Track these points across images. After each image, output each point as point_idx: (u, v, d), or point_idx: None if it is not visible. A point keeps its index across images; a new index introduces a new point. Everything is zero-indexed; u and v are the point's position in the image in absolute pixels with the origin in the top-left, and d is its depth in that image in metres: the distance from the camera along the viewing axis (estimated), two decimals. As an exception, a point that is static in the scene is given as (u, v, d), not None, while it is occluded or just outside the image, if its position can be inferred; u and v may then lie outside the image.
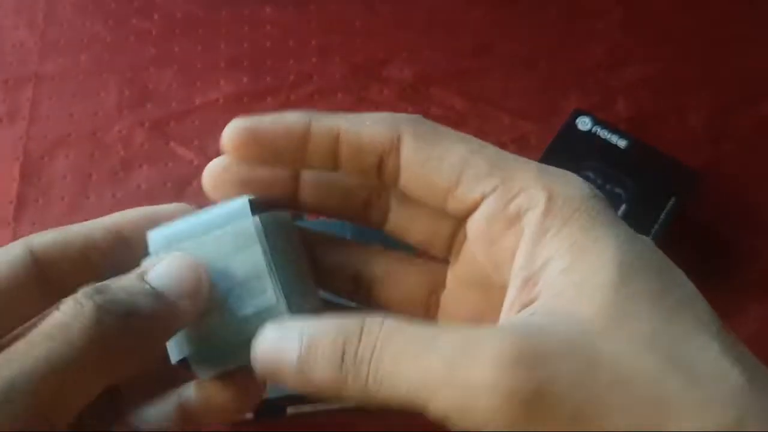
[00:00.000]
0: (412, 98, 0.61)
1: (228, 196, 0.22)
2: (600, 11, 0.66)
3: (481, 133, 0.61)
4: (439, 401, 0.18)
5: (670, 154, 0.54)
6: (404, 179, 0.22)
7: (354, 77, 0.62)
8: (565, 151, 0.53)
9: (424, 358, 0.18)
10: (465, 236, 0.23)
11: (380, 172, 0.22)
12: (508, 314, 0.20)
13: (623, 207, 0.51)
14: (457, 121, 0.59)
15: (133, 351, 0.20)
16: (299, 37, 0.64)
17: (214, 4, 0.65)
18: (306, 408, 0.45)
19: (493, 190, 0.20)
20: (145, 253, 0.22)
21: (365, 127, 0.21)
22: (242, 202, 0.22)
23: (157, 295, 0.20)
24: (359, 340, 0.18)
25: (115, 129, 0.59)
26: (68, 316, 0.19)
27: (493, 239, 0.21)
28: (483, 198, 0.21)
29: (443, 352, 0.18)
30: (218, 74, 0.62)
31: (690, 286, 0.19)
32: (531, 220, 0.20)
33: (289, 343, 0.19)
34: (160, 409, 0.23)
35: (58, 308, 0.19)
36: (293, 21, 0.65)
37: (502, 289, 0.21)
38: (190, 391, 0.23)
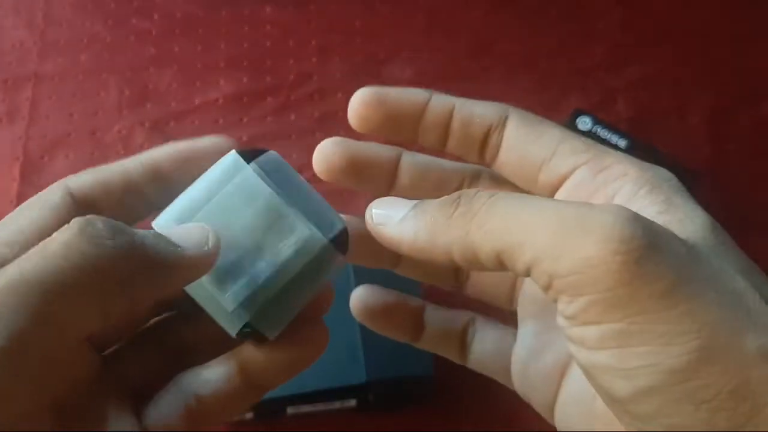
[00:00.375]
0: (412, 98, 0.61)
1: (338, 181, 0.24)
2: (600, 11, 0.66)
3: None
4: (544, 236, 0.17)
5: (670, 154, 0.54)
6: (503, 153, 0.23)
7: (354, 77, 0.62)
8: (565, 151, 0.53)
9: (539, 206, 0.18)
10: None
11: (483, 147, 0.23)
12: None
13: (623, 207, 0.51)
14: (457, 121, 0.59)
15: (132, 281, 0.19)
16: (299, 37, 0.64)
17: (214, 4, 0.65)
18: (306, 408, 0.45)
19: (586, 162, 0.22)
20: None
21: (478, 105, 0.24)
22: (233, 158, 0.22)
23: (160, 235, 0.20)
24: (474, 194, 0.19)
25: (115, 129, 0.59)
26: (68, 234, 0.18)
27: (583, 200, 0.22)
28: (575, 169, 0.22)
29: (559, 204, 0.18)
30: (218, 74, 0.62)
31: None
32: (621, 185, 0.21)
33: (399, 206, 0.21)
34: (214, 372, 0.22)
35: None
36: (293, 21, 0.65)
37: None
38: (251, 354, 0.22)
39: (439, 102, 0.24)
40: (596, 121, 0.54)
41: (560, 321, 0.18)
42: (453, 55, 0.63)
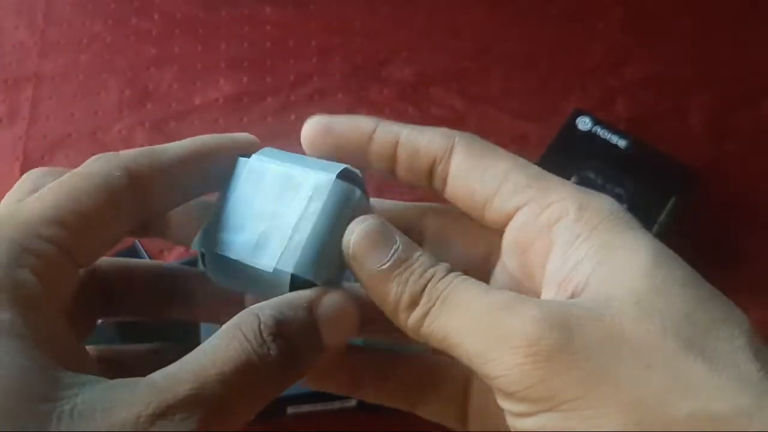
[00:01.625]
0: (412, 98, 0.61)
1: (321, 154, 0.24)
2: (600, 11, 0.66)
3: (481, 133, 0.62)
4: (471, 345, 0.19)
5: (671, 154, 0.54)
6: (450, 186, 0.23)
7: (354, 77, 0.62)
8: (565, 151, 0.53)
9: (473, 311, 0.19)
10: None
11: (431, 177, 0.23)
12: None
13: (624, 207, 0.51)
14: (457, 121, 0.60)
15: (162, 189, 0.21)
16: (299, 37, 0.64)
17: (214, 4, 0.65)
18: (306, 407, 0.45)
19: (528, 202, 0.22)
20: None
21: (423, 135, 0.23)
22: (238, 161, 0.23)
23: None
24: (445, 273, 0.20)
25: (116, 129, 0.59)
26: (87, 163, 0.20)
27: (526, 248, 0.22)
28: (517, 209, 0.22)
29: (490, 306, 0.19)
30: (218, 74, 0.62)
31: (712, 287, 0.20)
32: (562, 228, 0.21)
33: (384, 249, 0.21)
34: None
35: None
36: (293, 21, 0.65)
37: (535, 296, 0.22)
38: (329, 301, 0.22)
39: (384, 132, 0.24)
40: (596, 121, 0.54)
41: (506, 417, 0.20)
42: (453, 55, 0.63)
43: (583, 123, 0.54)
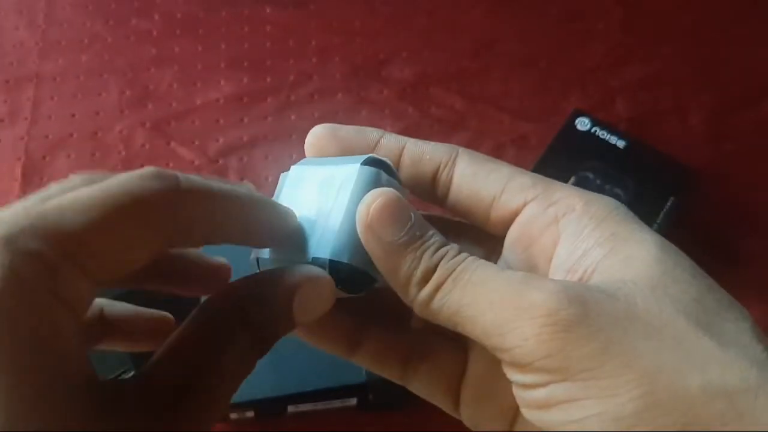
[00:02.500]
0: (412, 98, 0.61)
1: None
2: (600, 11, 0.66)
3: (481, 133, 0.62)
4: (487, 317, 0.20)
5: (670, 154, 0.54)
6: (454, 192, 0.24)
7: (354, 77, 0.62)
8: (564, 151, 0.53)
9: (489, 285, 0.20)
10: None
11: (434, 185, 0.24)
12: None
13: (623, 207, 0.51)
14: (457, 121, 0.60)
15: (195, 215, 0.20)
16: (299, 37, 0.64)
17: (214, 5, 0.65)
18: (306, 407, 0.45)
19: (534, 197, 0.22)
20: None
21: (428, 144, 0.24)
22: (280, 177, 0.24)
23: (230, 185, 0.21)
24: (458, 252, 0.21)
25: (116, 129, 0.59)
26: (129, 175, 0.19)
27: (532, 241, 0.22)
28: (524, 205, 0.23)
29: (508, 281, 0.20)
30: (218, 74, 0.62)
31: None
32: (569, 221, 0.22)
33: (400, 222, 0.21)
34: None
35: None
36: (293, 21, 0.65)
37: None
38: None
39: (391, 140, 0.24)
40: (595, 122, 0.54)
41: (514, 389, 0.20)
42: (453, 55, 0.63)
43: (583, 123, 0.54)
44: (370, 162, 0.22)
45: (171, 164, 0.58)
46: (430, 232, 0.21)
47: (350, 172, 0.22)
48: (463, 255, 0.21)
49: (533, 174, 0.23)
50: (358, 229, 0.21)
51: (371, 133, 0.24)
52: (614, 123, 0.57)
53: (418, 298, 0.21)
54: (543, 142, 0.55)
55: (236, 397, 0.43)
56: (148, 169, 0.19)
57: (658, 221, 0.50)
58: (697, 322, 0.18)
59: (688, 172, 0.53)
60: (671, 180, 0.52)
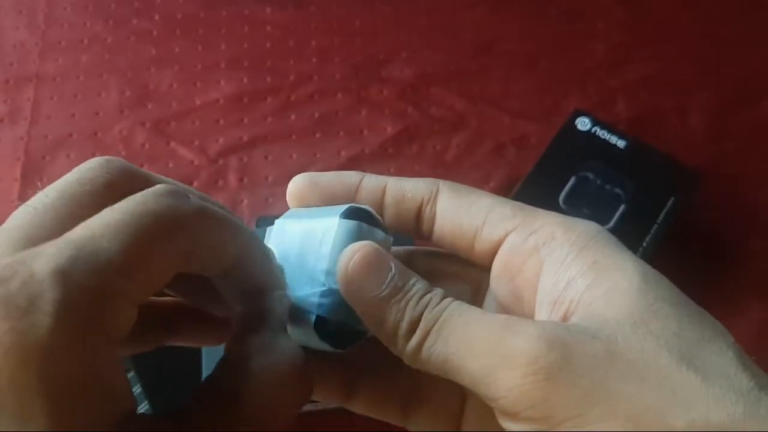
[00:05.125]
0: (412, 98, 0.61)
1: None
2: (600, 11, 0.66)
3: (481, 133, 0.62)
4: (472, 367, 0.20)
5: (670, 154, 0.54)
6: (438, 226, 0.24)
7: (354, 77, 0.62)
8: (565, 151, 0.53)
9: (472, 334, 0.20)
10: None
11: (418, 222, 0.24)
12: None
13: (623, 207, 0.51)
14: (457, 121, 0.60)
15: (211, 235, 0.19)
16: (299, 37, 0.64)
17: (214, 4, 0.65)
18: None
19: (515, 228, 0.23)
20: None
21: (409, 182, 0.24)
22: (259, 232, 0.24)
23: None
24: (441, 299, 0.21)
25: (116, 129, 0.59)
26: (145, 194, 0.19)
27: (515, 272, 0.22)
28: (506, 235, 0.23)
29: (489, 327, 0.20)
30: (218, 74, 0.62)
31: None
32: (550, 250, 0.22)
33: (380, 275, 0.21)
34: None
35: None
36: (293, 21, 0.65)
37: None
38: None
39: (372, 181, 0.24)
40: (596, 122, 0.54)
41: None
42: (453, 55, 0.63)
43: (583, 123, 0.54)
44: (349, 213, 0.22)
45: (171, 164, 0.58)
46: (412, 281, 0.21)
47: (330, 225, 0.22)
48: (446, 301, 0.21)
49: (514, 203, 0.23)
50: (339, 286, 0.21)
51: (351, 177, 0.24)
52: (614, 123, 0.57)
53: (406, 350, 0.21)
54: (543, 142, 0.55)
55: None
56: (161, 188, 0.19)
57: (658, 221, 0.50)
58: (680, 357, 0.18)
59: (689, 171, 0.53)
60: (672, 180, 0.52)
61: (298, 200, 0.24)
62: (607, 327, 0.19)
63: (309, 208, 0.24)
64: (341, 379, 0.25)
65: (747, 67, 0.63)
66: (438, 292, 0.21)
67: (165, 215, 0.18)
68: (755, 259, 0.55)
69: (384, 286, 0.21)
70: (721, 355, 0.18)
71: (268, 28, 0.64)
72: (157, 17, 0.65)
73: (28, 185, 0.56)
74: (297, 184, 0.24)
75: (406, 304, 0.21)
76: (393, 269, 0.21)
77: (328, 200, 0.24)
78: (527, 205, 0.23)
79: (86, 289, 0.16)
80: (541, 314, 0.21)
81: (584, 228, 0.22)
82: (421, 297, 0.21)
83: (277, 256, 0.23)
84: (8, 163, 0.57)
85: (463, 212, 0.23)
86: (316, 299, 0.22)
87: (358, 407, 0.25)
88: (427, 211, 0.24)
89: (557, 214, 0.22)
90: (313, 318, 0.22)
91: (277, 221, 0.24)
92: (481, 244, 0.23)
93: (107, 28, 0.64)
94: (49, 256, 0.16)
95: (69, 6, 0.65)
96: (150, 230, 0.18)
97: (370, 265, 0.21)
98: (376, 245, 0.21)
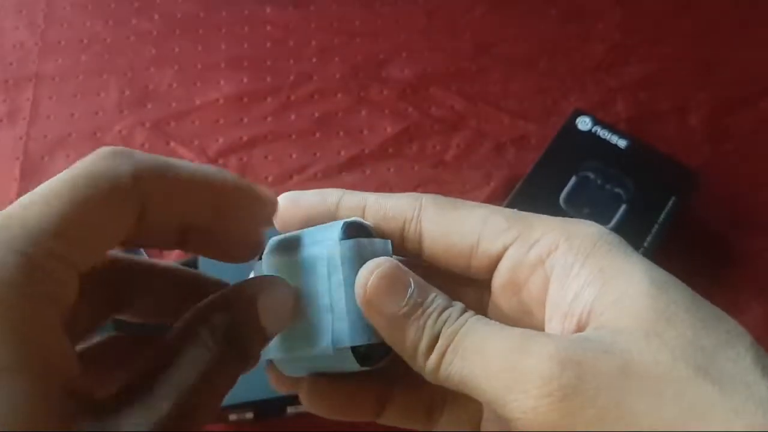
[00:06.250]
0: (412, 98, 0.61)
1: (294, 229, 0.24)
2: (600, 11, 0.66)
3: (481, 133, 0.62)
4: (487, 389, 0.19)
5: (670, 154, 0.54)
6: (428, 245, 0.23)
7: (354, 77, 0.62)
8: (565, 151, 0.53)
9: (488, 350, 0.20)
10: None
11: (404, 240, 0.23)
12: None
13: (623, 207, 0.51)
14: (457, 121, 0.60)
15: (166, 199, 0.20)
16: (299, 37, 0.64)
17: (214, 4, 0.65)
18: (305, 408, 0.45)
19: (514, 240, 0.22)
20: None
21: (390, 199, 0.23)
22: (337, 225, 0.23)
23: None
24: (459, 315, 0.20)
25: (116, 129, 0.59)
26: (84, 159, 0.19)
27: (520, 286, 0.22)
28: (505, 249, 0.22)
29: (504, 344, 0.19)
30: (218, 74, 0.62)
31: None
32: (554, 261, 0.21)
33: (399, 292, 0.21)
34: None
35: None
36: (293, 21, 0.65)
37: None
38: None
39: (351, 200, 0.24)
40: (596, 121, 0.54)
41: None
42: (453, 55, 0.63)
43: (583, 123, 0.54)
44: (347, 232, 0.22)
45: (171, 164, 0.58)
46: (431, 296, 0.21)
47: (332, 250, 0.22)
48: (464, 317, 0.20)
49: (506, 211, 0.22)
50: (360, 305, 0.21)
51: (331, 196, 0.24)
52: (614, 123, 0.56)
53: (426, 368, 0.20)
54: (543, 142, 0.55)
55: (235, 398, 0.43)
56: (103, 149, 0.19)
57: (658, 221, 0.50)
58: (696, 368, 0.18)
59: (689, 172, 0.53)
60: (672, 180, 0.52)
61: (281, 222, 0.24)
62: (620, 339, 0.18)
63: (297, 232, 0.23)
64: (372, 398, 0.24)
65: (746, 67, 0.63)
66: (457, 308, 0.21)
67: (103, 174, 0.19)
68: (755, 259, 0.55)
69: (403, 303, 0.20)
70: (738, 362, 0.18)
71: (268, 27, 0.64)
72: (156, 17, 0.65)
73: (27, 185, 0.56)
74: (281, 206, 0.24)
75: (426, 321, 0.20)
76: (412, 285, 0.21)
77: (309, 221, 0.24)
78: (521, 212, 0.22)
79: (12, 252, 0.17)
80: (553, 328, 0.21)
81: (586, 232, 0.21)
82: (440, 313, 0.20)
83: None
84: (7, 163, 0.57)
85: (454, 230, 0.22)
86: (346, 330, 0.21)
87: (387, 420, 0.25)
88: (411, 230, 0.23)
89: (554, 218, 0.22)
90: (349, 350, 0.21)
91: (264, 257, 0.23)
92: (479, 261, 0.22)
93: (107, 27, 0.64)
94: None
95: (69, 6, 0.65)
96: (87, 192, 0.18)
97: (388, 283, 0.21)
98: (394, 262, 0.21)
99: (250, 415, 0.44)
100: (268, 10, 0.65)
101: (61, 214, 0.18)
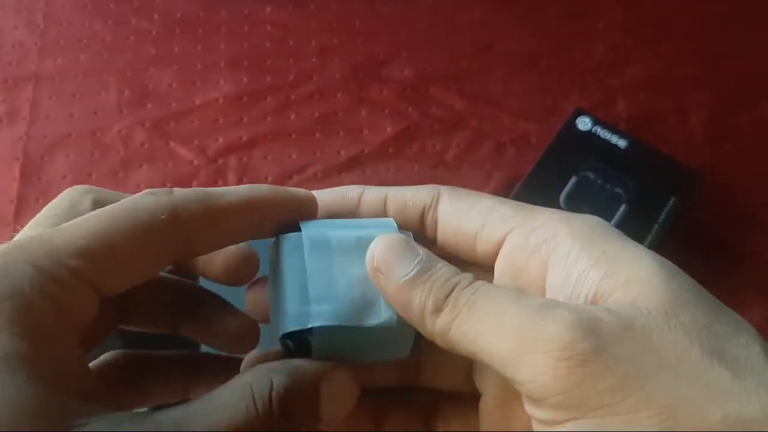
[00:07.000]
0: (412, 98, 0.61)
1: None
2: (600, 11, 0.66)
3: (481, 133, 0.62)
4: (500, 348, 0.19)
5: (670, 154, 0.54)
6: (441, 231, 0.24)
7: (354, 77, 0.62)
8: (565, 151, 0.53)
9: (504, 314, 0.19)
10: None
11: (422, 227, 0.24)
12: None
13: (623, 207, 0.51)
14: (457, 121, 0.59)
15: (208, 235, 0.21)
16: (299, 37, 0.64)
17: (214, 4, 0.65)
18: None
19: (516, 226, 0.22)
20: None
21: (410, 190, 0.24)
22: (389, 221, 0.24)
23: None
24: (462, 292, 0.20)
25: (115, 129, 0.59)
26: (138, 197, 0.20)
27: (520, 271, 0.22)
28: (506, 235, 0.22)
29: (524, 309, 0.19)
30: (218, 74, 0.62)
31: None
32: (554, 246, 0.21)
33: (408, 259, 0.21)
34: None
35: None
36: (293, 21, 0.65)
37: None
38: None
39: (372, 194, 0.25)
40: (596, 121, 0.54)
41: (533, 423, 0.20)
42: (453, 55, 0.63)
43: (583, 123, 0.54)
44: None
45: (170, 164, 0.58)
46: (440, 264, 0.21)
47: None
48: (479, 282, 0.20)
49: (513, 202, 0.23)
50: (369, 273, 0.21)
51: (352, 192, 0.24)
52: (614, 123, 0.56)
53: (435, 328, 0.20)
54: (543, 142, 0.55)
55: None
56: (147, 190, 0.21)
57: (659, 221, 0.50)
58: (711, 351, 0.18)
59: (689, 172, 0.53)
60: (672, 180, 0.52)
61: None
62: (640, 317, 0.19)
63: (338, 220, 0.24)
64: (370, 413, 0.25)
65: (747, 67, 0.63)
66: (467, 275, 0.21)
67: (140, 209, 0.20)
68: (755, 259, 0.55)
69: (410, 269, 0.21)
70: (748, 349, 0.18)
71: (268, 27, 0.64)
72: (156, 17, 0.65)
73: (26, 185, 0.56)
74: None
75: (432, 284, 0.20)
76: (421, 254, 0.21)
77: (330, 217, 0.24)
78: (527, 204, 0.23)
79: (29, 265, 0.18)
80: None
81: (586, 221, 0.22)
82: (449, 279, 0.21)
83: (323, 266, 0.22)
84: (7, 163, 0.57)
85: (463, 215, 0.23)
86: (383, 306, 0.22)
87: (388, 428, 0.25)
88: (429, 217, 0.24)
89: (557, 210, 0.22)
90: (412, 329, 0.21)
91: (310, 229, 0.23)
92: (483, 246, 0.23)
93: (106, 27, 0.64)
94: (18, 246, 0.19)
95: (68, 5, 0.65)
96: (119, 221, 0.19)
97: (394, 250, 0.21)
98: (401, 235, 0.22)
99: None
100: (267, 9, 0.65)
101: (87, 236, 0.19)
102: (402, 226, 0.24)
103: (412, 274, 0.21)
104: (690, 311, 0.19)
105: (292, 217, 0.23)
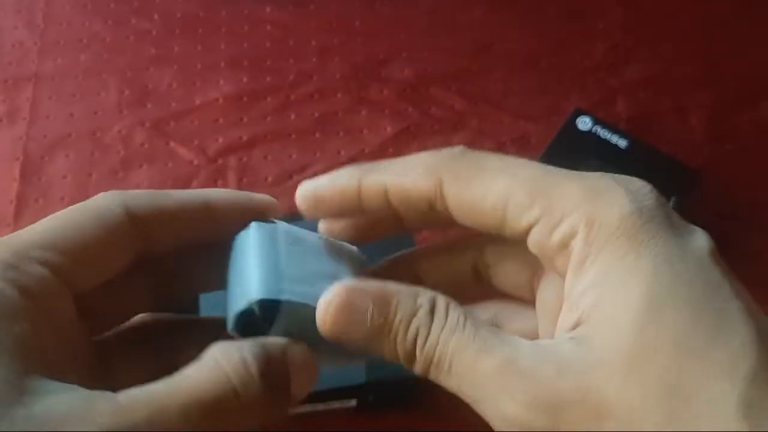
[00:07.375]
0: (412, 98, 0.61)
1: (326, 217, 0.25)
2: (600, 11, 0.66)
3: (481, 133, 0.62)
4: (479, 409, 0.21)
5: (670, 154, 0.54)
6: (459, 220, 0.23)
7: (354, 77, 0.62)
8: (565, 151, 0.53)
9: (467, 380, 0.20)
10: None
11: (434, 213, 0.23)
12: (559, 328, 0.21)
13: (623, 207, 0.51)
14: (457, 121, 0.59)
15: (161, 230, 0.23)
16: (299, 37, 0.64)
17: (214, 4, 0.65)
18: (306, 408, 0.45)
19: (537, 220, 0.21)
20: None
21: (408, 179, 0.23)
22: (257, 225, 0.24)
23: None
24: (428, 330, 0.21)
25: (115, 129, 0.59)
26: (92, 198, 0.22)
27: (550, 261, 0.22)
28: (530, 227, 0.22)
29: (488, 368, 0.20)
30: (218, 74, 0.62)
31: (734, 305, 0.19)
32: (573, 248, 0.21)
33: (359, 322, 0.21)
34: None
35: None
36: (293, 21, 0.65)
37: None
38: None
39: (371, 185, 0.23)
40: (596, 121, 0.54)
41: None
42: (453, 55, 0.63)
43: (583, 123, 0.54)
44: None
45: (170, 164, 0.58)
46: (392, 311, 0.21)
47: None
48: (434, 335, 0.20)
49: (529, 182, 0.22)
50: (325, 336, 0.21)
51: (347, 187, 0.23)
52: (614, 123, 0.56)
53: (417, 372, 0.21)
54: (543, 142, 0.55)
55: (338, 382, 0.42)
56: (101, 195, 0.23)
57: (658, 221, 0.50)
58: (669, 414, 0.18)
59: (689, 171, 0.53)
60: (672, 179, 0.52)
61: (308, 213, 0.24)
62: (599, 374, 0.18)
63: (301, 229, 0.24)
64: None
65: (747, 67, 0.63)
66: (424, 309, 0.21)
67: (93, 206, 0.22)
68: (756, 258, 0.55)
69: (367, 327, 0.21)
70: (719, 404, 0.17)
71: (268, 27, 0.64)
72: (156, 17, 0.65)
73: (26, 185, 0.55)
74: (304, 200, 0.24)
75: (395, 337, 0.21)
76: (370, 307, 0.21)
77: (337, 216, 0.24)
78: (544, 178, 0.22)
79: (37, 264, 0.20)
80: (564, 309, 0.21)
81: (609, 214, 0.20)
82: (407, 329, 0.21)
83: (297, 255, 0.23)
84: (7, 163, 0.57)
85: (477, 208, 0.22)
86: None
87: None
88: (439, 207, 0.23)
89: (580, 187, 0.21)
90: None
91: (280, 223, 0.24)
92: (512, 233, 0.22)
93: (106, 27, 0.64)
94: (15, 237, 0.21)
95: (68, 5, 0.65)
96: (74, 216, 0.21)
97: (346, 314, 0.21)
98: (348, 286, 0.21)
99: (352, 403, 0.43)
100: (267, 9, 0.65)
101: (49, 232, 0.21)
102: (411, 219, 0.24)
103: (370, 332, 0.21)
104: (657, 363, 0.18)
105: (254, 219, 0.24)
